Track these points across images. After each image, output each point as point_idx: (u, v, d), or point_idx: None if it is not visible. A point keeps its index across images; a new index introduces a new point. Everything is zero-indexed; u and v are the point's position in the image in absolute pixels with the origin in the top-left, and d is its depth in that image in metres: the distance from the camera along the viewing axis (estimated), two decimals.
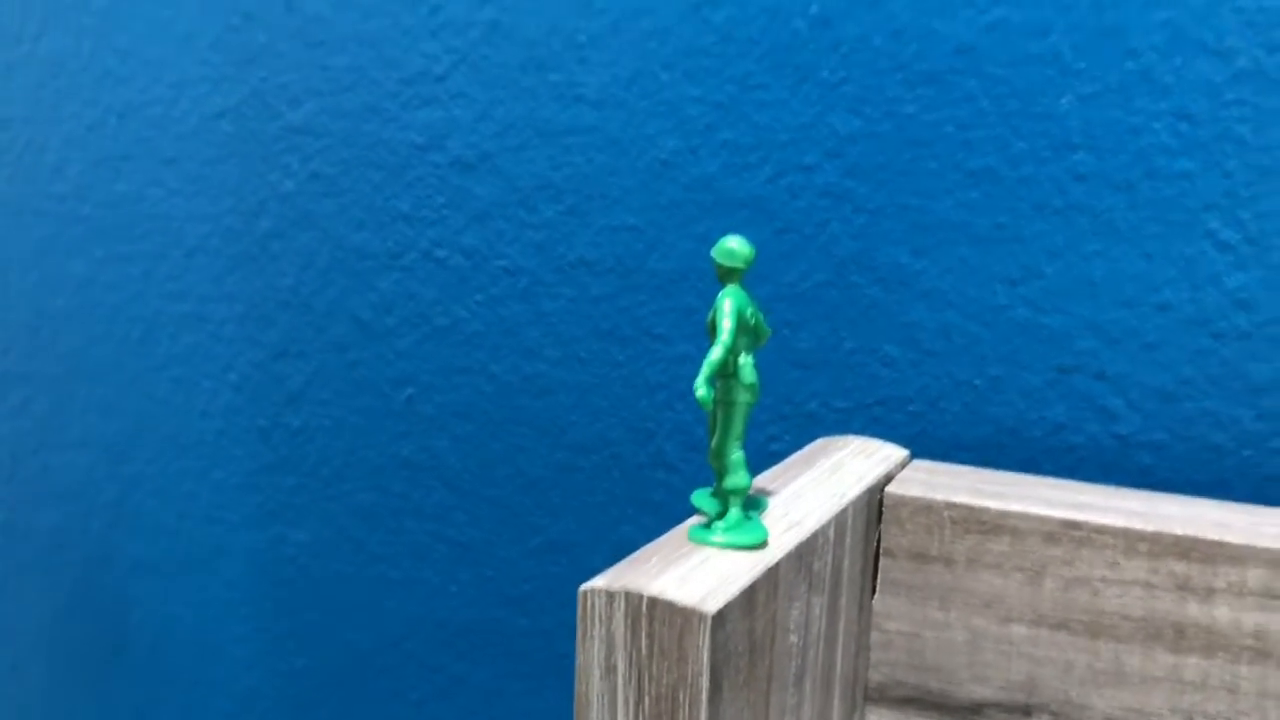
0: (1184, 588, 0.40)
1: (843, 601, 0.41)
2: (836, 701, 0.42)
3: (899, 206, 0.52)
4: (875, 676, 0.45)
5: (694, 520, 0.37)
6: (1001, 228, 0.50)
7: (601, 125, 0.57)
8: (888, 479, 0.45)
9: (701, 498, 0.38)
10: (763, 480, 0.42)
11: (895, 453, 0.48)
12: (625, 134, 0.56)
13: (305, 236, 0.65)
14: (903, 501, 0.44)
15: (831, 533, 0.39)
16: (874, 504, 0.44)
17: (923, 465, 0.48)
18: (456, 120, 0.60)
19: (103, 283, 0.71)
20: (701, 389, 0.33)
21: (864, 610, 0.44)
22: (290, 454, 0.67)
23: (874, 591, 0.44)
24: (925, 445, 0.52)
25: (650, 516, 0.58)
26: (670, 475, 0.58)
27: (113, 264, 0.71)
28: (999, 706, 0.43)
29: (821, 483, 0.42)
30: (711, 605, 0.30)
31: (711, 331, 0.35)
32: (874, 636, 0.45)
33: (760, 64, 0.53)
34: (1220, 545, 0.40)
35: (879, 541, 0.44)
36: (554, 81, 0.57)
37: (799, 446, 0.55)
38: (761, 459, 0.55)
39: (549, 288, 0.59)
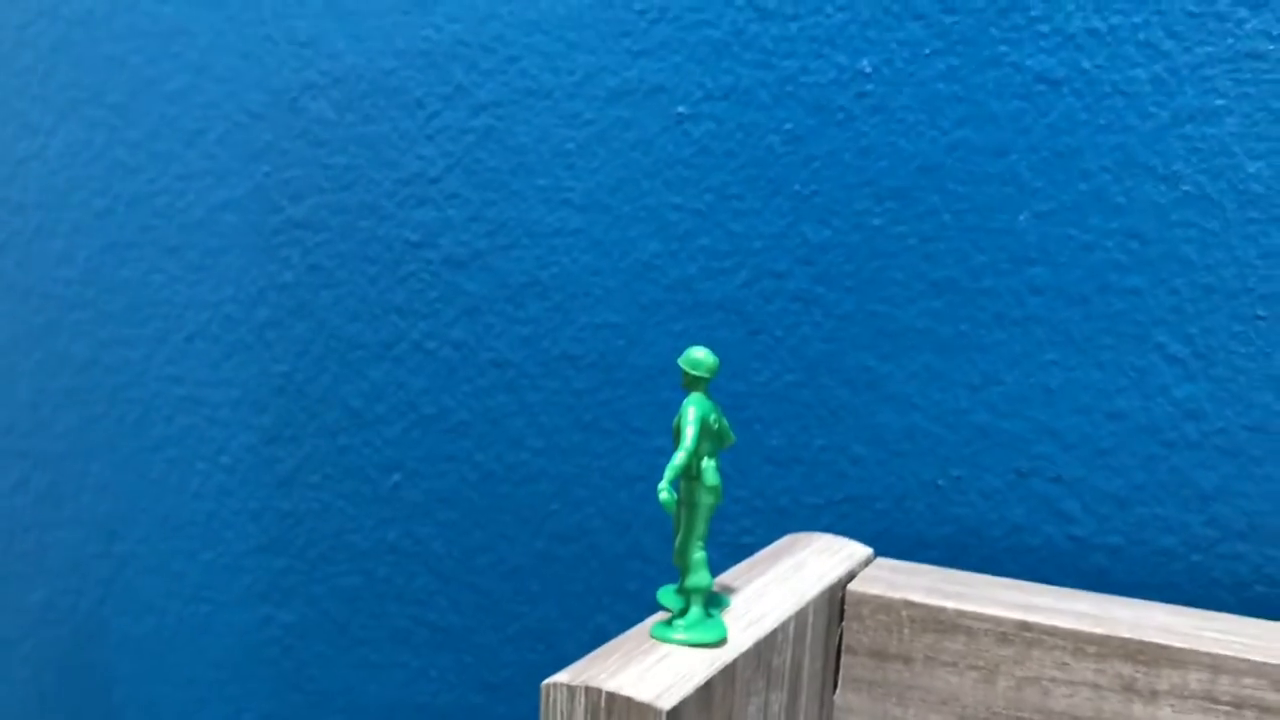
0: (1130, 689, 0.42)
1: (803, 699, 0.43)
2: None
3: (867, 313, 0.54)
4: None
5: (658, 617, 0.38)
6: (963, 335, 0.52)
7: (587, 228, 0.59)
8: (850, 577, 0.47)
9: (666, 594, 0.40)
10: (727, 578, 0.44)
11: (859, 550, 0.50)
12: (609, 236, 0.59)
13: (301, 326, 0.67)
14: (864, 599, 0.46)
15: (791, 630, 0.41)
16: (835, 601, 0.45)
17: (885, 564, 0.50)
18: (450, 220, 0.63)
19: (104, 364, 0.74)
20: (664, 492, 0.35)
21: (825, 706, 0.45)
22: (279, 536, 0.69)
23: (835, 687, 0.46)
24: (891, 543, 0.54)
25: (625, 605, 0.60)
26: (646, 566, 0.59)
27: (114, 347, 0.73)
28: None
29: (784, 580, 0.44)
30: (667, 702, 0.32)
31: (676, 436, 0.38)
32: None
33: (736, 175, 0.56)
34: (1164, 649, 0.41)
35: (840, 638, 0.46)
36: (542, 186, 0.60)
37: (770, 539, 0.56)
38: (732, 551, 0.57)
39: (534, 380, 0.61)
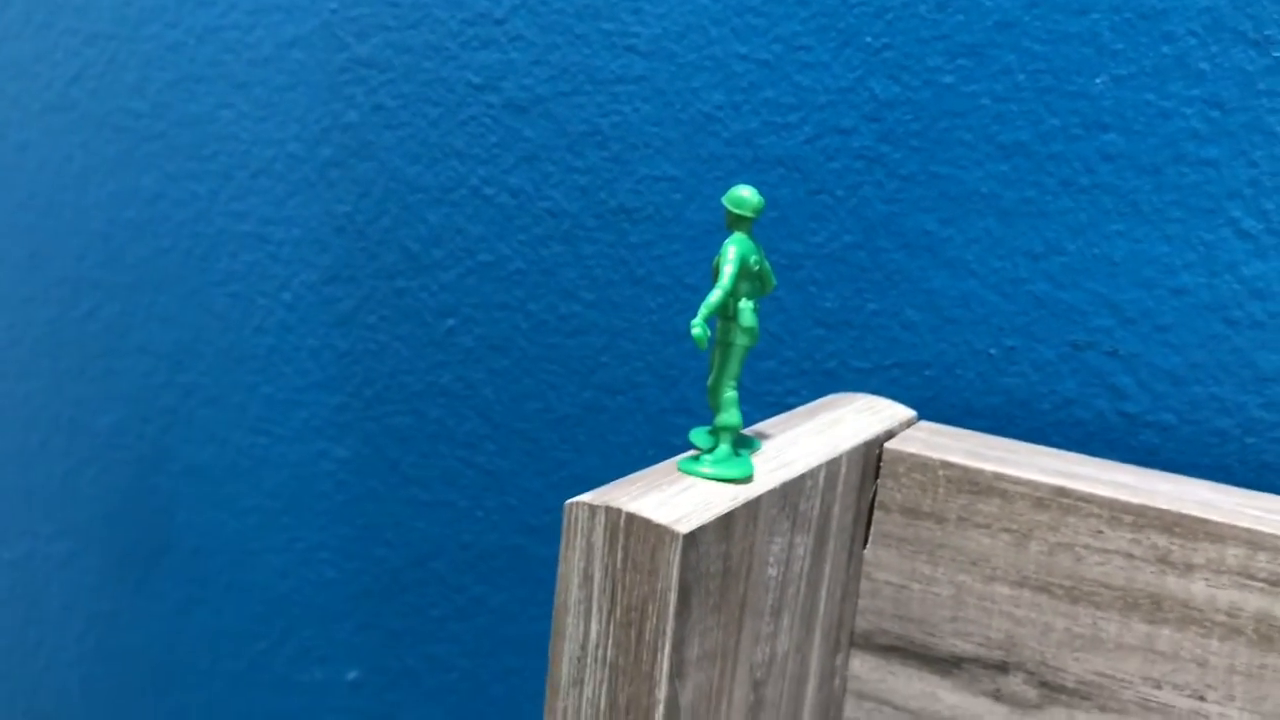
0: (1164, 561, 0.41)
1: (830, 546, 0.43)
2: (818, 640, 0.43)
3: (930, 175, 0.53)
4: (861, 623, 0.47)
5: (688, 454, 0.39)
6: (1028, 202, 0.51)
7: (650, 76, 0.58)
8: (889, 435, 0.46)
9: (699, 434, 0.40)
10: (763, 425, 0.44)
11: (902, 412, 0.49)
12: (672, 86, 0.58)
13: (364, 166, 0.67)
14: (900, 457, 0.45)
15: (822, 478, 0.41)
16: (872, 457, 0.45)
17: (927, 426, 0.49)
18: (513, 63, 0.62)
19: (171, 198, 0.75)
20: (698, 327, 0.35)
21: (854, 558, 0.45)
22: (336, 374, 0.70)
23: (866, 542, 0.46)
24: (938, 410, 0.53)
25: (669, 457, 0.60)
26: (691, 420, 0.60)
27: (182, 181, 0.74)
28: (977, 662, 0.45)
29: (820, 432, 0.44)
30: (685, 526, 0.32)
31: (715, 275, 0.37)
32: (863, 585, 0.46)
33: (806, 25, 0.54)
34: (1202, 522, 0.41)
35: (875, 494, 0.46)
36: (607, 30, 0.59)
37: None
38: (777, 411, 0.56)
39: (589, 232, 0.61)
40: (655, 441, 0.61)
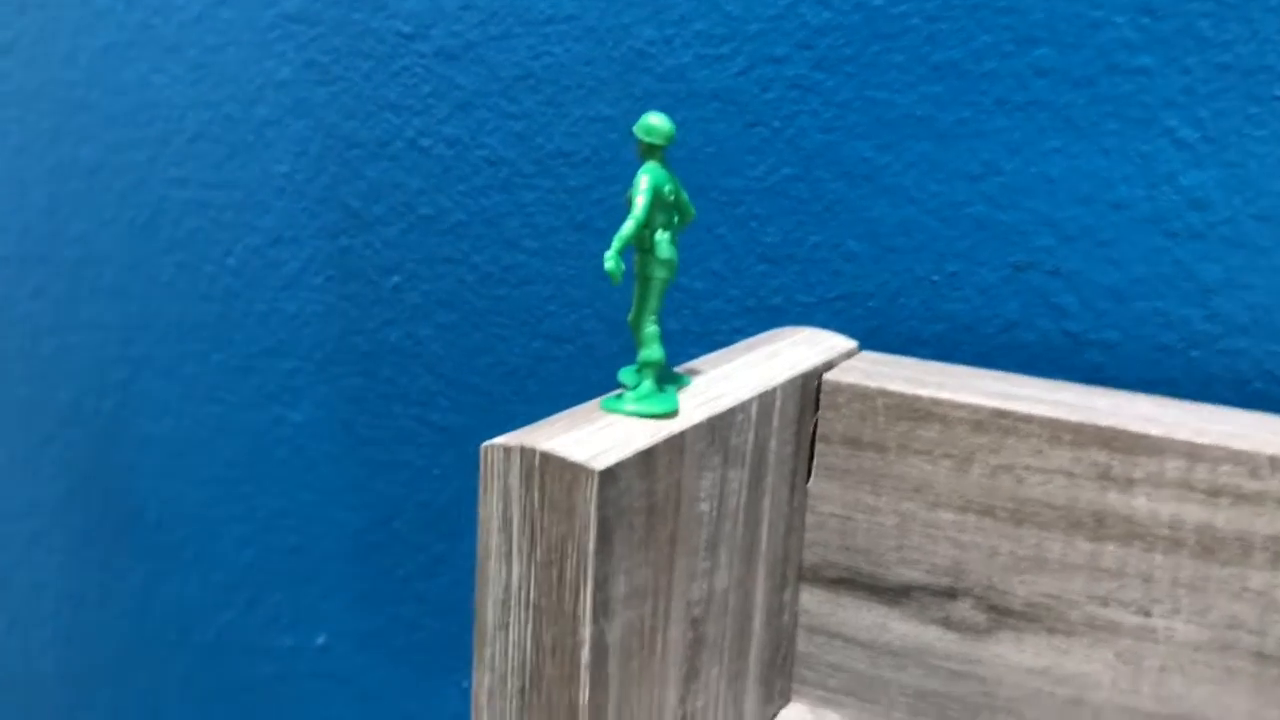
0: (1105, 477, 0.41)
1: (769, 480, 0.42)
2: (761, 575, 0.43)
3: (865, 100, 0.52)
4: (809, 557, 0.46)
5: (612, 393, 0.38)
6: (964, 123, 0.50)
7: (580, 14, 0.57)
8: (827, 366, 0.46)
9: (626, 373, 0.39)
10: (696, 362, 0.43)
11: (843, 343, 0.49)
12: (603, 23, 0.57)
13: (299, 124, 0.66)
14: (839, 388, 0.45)
15: (754, 411, 0.40)
16: (810, 390, 0.45)
17: (869, 356, 0.49)
18: (442, 8, 0.61)
19: (111, 167, 0.73)
20: (611, 261, 0.34)
21: (796, 491, 0.45)
22: (286, 338, 0.69)
23: (809, 475, 0.46)
24: (883, 339, 0.53)
25: None
26: None
27: (121, 150, 0.73)
28: (925, 589, 0.45)
29: (754, 366, 0.43)
30: (601, 463, 0.32)
31: (629, 207, 0.36)
32: (809, 519, 0.46)
33: None
34: (1141, 437, 0.40)
35: (815, 426, 0.45)
36: None
37: None
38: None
39: (528, 179, 0.60)
40: (607, 387, 0.60)
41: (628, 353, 0.59)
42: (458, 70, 0.61)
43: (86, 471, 0.79)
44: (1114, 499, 0.41)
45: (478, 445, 0.64)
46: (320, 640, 0.71)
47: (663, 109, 0.55)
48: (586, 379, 0.60)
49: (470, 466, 0.65)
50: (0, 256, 0.79)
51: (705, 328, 0.57)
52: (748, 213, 0.55)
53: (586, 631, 0.32)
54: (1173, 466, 0.40)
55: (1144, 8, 0.46)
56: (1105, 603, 0.42)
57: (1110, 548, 0.41)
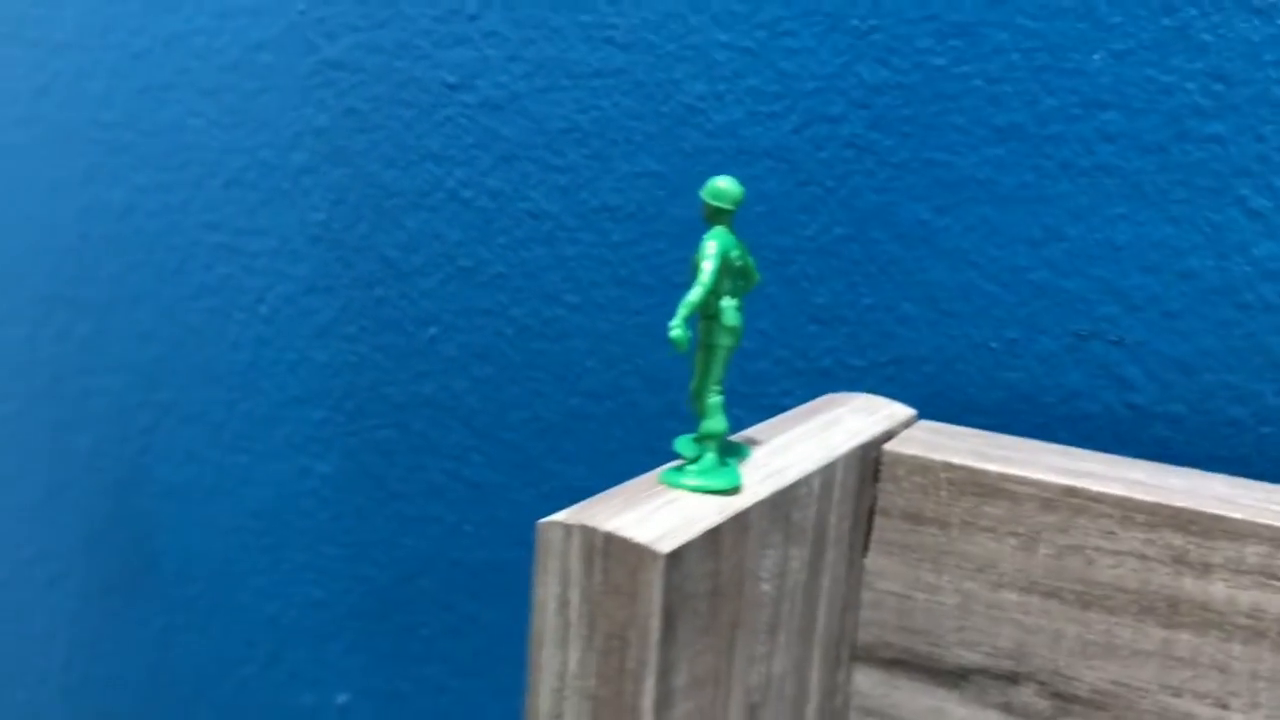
0: (1180, 561, 0.39)
1: (828, 557, 0.40)
2: (817, 656, 0.41)
3: (923, 161, 0.50)
4: (864, 636, 0.44)
5: (671, 464, 0.36)
6: (1026, 187, 0.48)
7: (629, 68, 0.56)
8: (887, 436, 0.44)
9: (684, 443, 0.37)
10: (753, 431, 0.42)
11: (901, 411, 0.47)
12: (652, 78, 0.56)
13: (337, 172, 0.65)
14: (900, 459, 0.43)
15: (817, 485, 0.38)
16: (869, 461, 0.43)
17: (928, 425, 0.47)
18: (488, 60, 0.60)
19: (143, 210, 0.72)
20: (677, 329, 0.33)
21: (854, 568, 0.43)
22: (316, 387, 0.68)
23: (866, 550, 0.44)
24: (939, 407, 0.51)
25: (661, 463, 0.58)
26: (682, 425, 0.57)
27: (153, 192, 0.72)
28: (986, 673, 0.43)
29: (813, 436, 0.42)
30: (667, 545, 0.30)
31: (694, 273, 0.35)
32: (865, 595, 0.44)
33: (790, 10, 0.52)
34: (1220, 520, 0.38)
35: (875, 499, 0.44)
36: (584, 22, 0.57)
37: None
38: (771, 413, 0.54)
39: (571, 233, 0.59)
40: (645, 448, 0.59)
41: (668, 412, 0.57)
42: (502, 122, 0.60)
43: (106, 517, 0.78)
44: (1189, 584, 0.39)
45: (510, 502, 0.62)
46: (342, 699, 0.69)
47: (712, 166, 0.53)
48: (626, 439, 0.59)
49: (502, 524, 0.63)
50: (27, 296, 0.78)
51: (752, 389, 0.55)
52: (799, 272, 0.53)
53: None
54: (1253, 552, 0.38)
55: (1216, 74, 0.45)
56: (1178, 693, 0.40)
57: (1184, 635, 0.39)
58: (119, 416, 0.76)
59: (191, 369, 0.72)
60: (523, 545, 0.62)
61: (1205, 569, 0.39)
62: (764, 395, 0.55)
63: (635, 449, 0.59)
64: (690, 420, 0.57)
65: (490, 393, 0.62)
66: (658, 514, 0.32)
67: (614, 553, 0.30)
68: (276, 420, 0.69)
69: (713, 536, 0.32)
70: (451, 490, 0.64)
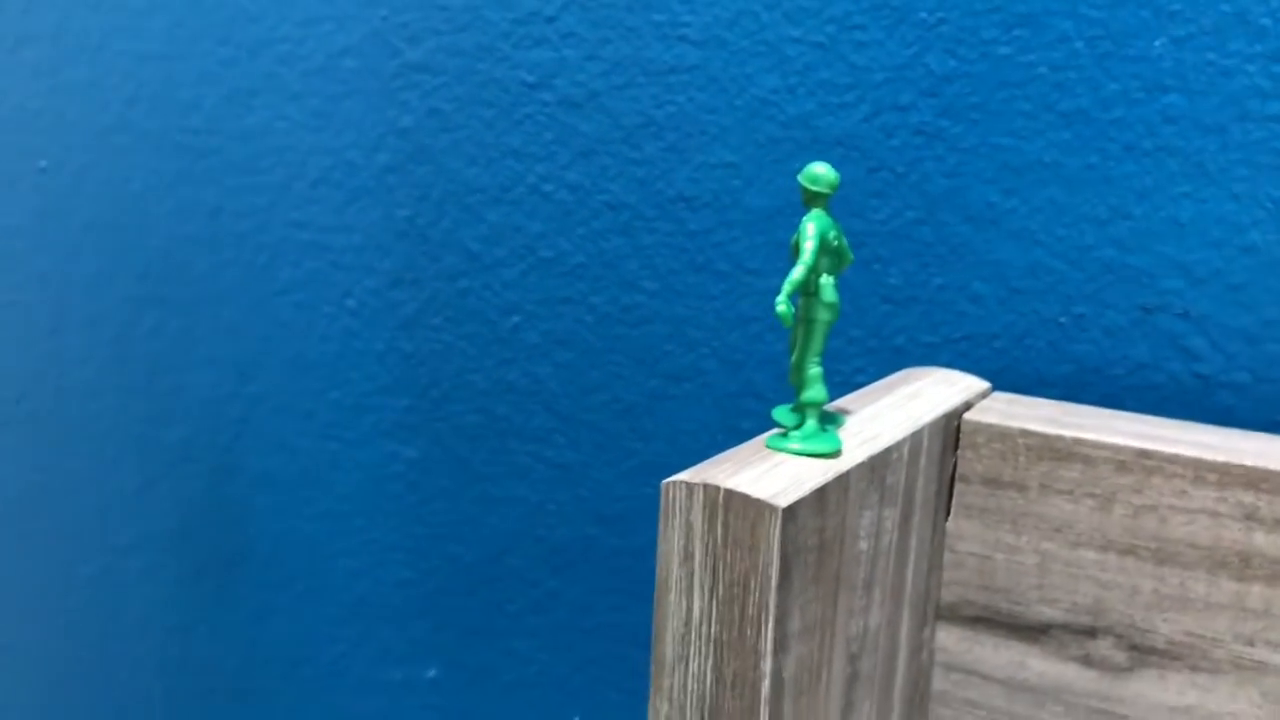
0: (1251, 517, 0.41)
1: (915, 519, 0.43)
2: (906, 614, 0.44)
3: (991, 146, 0.53)
4: (947, 595, 0.47)
5: (773, 432, 0.39)
6: (1091, 168, 0.51)
7: (703, 64, 0.59)
8: (966, 407, 0.47)
9: (782, 412, 0.40)
10: (843, 402, 0.44)
11: (976, 384, 0.50)
12: (726, 73, 0.58)
13: (421, 170, 0.68)
14: (979, 428, 0.46)
15: (906, 451, 0.41)
16: (951, 429, 0.45)
17: (1003, 396, 0.49)
18: (565, 60, 0.63)
19: (231, 211, 0.76)
20: (782, 305, 0.36)
21: (937, 531, 0.46)
22: (403, 376, 0.71)
23: (948, 514, 0.46)
24: (1009, 380, 0.54)
25: (738, 442, 0.61)
26: (759, 404, 0.60)
27: (241, 194, 0.75)
28: (1065, 628, 0.45)
29: (899, 406, 0.44)
30: (784, 500, 0.33)
31: (795, 253, 0.38)
32: (947, 557, 0.47)
33: (859, 4, 0.55)
34: None
35: (955, 466, 0.46)
36: (658, 21, 0.60)
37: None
38: (848, 389, 0.57)
39: (649, 222, 0.62)
40: (723, 427, 0.61)
41: (744, 392, 0.60)
42: (580, 118, 0.62)
43: (199, 507, 0.81)
44: (1260, 539, 0.42)
45: (592, 481, 0.65)
46: (431, 674, 0.73)
47: (786, 155, 0.56)
48: (704, 418, 0.62)
49: (584, 503, 0.66)
50: (120, 297, 0.82)
51: (828, 366, 0.58)
52: (871, 255, 0.56)
53: (767, 665, 0.33)
54: None
55: (1275, 56, 0.47)
56: (1251, 642, 0.42)
57: (1256, 588, 0.42)
58: (211, 409, 0.79)
59: (282, 362, 0.76)
60: (604, 522, 0.65)
61: (1276, 524, 0.41)
62: (839, 372, 0.57)
63: (713, 428, 0.62)
64: (766, 399, 0.59)
65: (572, 377, 0.65)
66: (769, 475, 0.35)
67: (735, 508, 0.33)
68: (364, 409, 0.73)
69: (820, 495, 0.35)
70: (535, 471, 0.67)
